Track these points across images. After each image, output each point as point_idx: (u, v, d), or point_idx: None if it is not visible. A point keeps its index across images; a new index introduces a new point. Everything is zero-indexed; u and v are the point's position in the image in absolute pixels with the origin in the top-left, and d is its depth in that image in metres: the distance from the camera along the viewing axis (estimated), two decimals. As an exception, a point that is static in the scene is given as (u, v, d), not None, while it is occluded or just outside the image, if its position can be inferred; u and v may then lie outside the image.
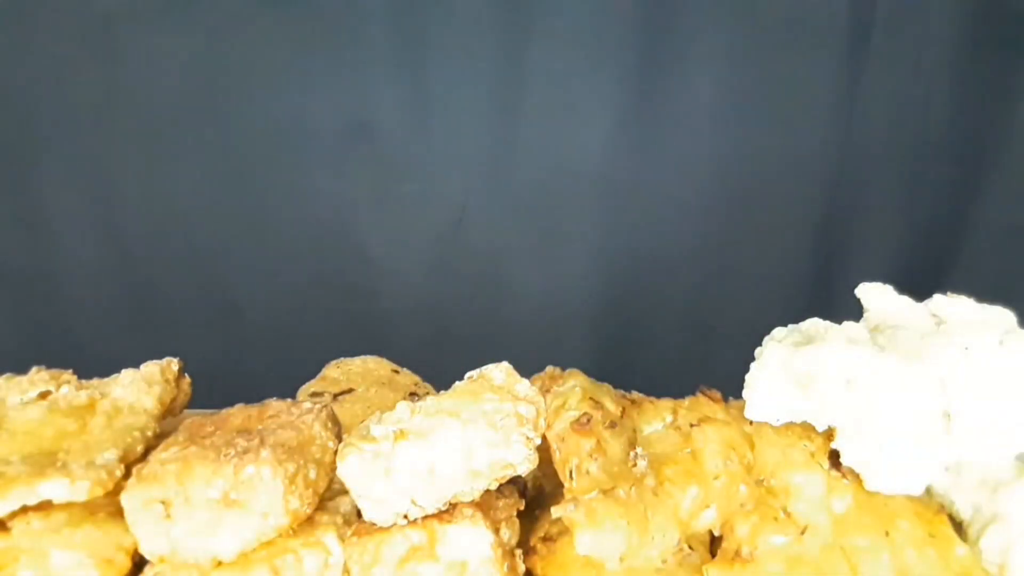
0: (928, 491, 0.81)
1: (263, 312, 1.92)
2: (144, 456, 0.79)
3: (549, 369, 0.93)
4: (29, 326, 1.87)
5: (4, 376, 0.89)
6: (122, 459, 0.79)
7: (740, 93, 1.79)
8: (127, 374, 0.90)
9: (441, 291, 1.93)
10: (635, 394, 0.88)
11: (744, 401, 0.84)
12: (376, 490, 0.73)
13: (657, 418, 0.83)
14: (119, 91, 1.72)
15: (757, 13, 1.73)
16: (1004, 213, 1.87)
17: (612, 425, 0.76)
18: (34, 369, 0.90)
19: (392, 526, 0.74)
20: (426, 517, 0.74)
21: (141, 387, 0.88)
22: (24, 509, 0.74)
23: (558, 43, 1.74)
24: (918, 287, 0.92)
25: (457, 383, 0.81)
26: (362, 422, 0.78)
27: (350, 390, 1.10)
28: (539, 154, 1.84)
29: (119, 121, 1.75)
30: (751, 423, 0.82)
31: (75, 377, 0.90)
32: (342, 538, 0.76)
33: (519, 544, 0.79)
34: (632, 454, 0.77)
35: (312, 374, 1.16)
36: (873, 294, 0.91)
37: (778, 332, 0.89)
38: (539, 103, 1.79)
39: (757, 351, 0.86)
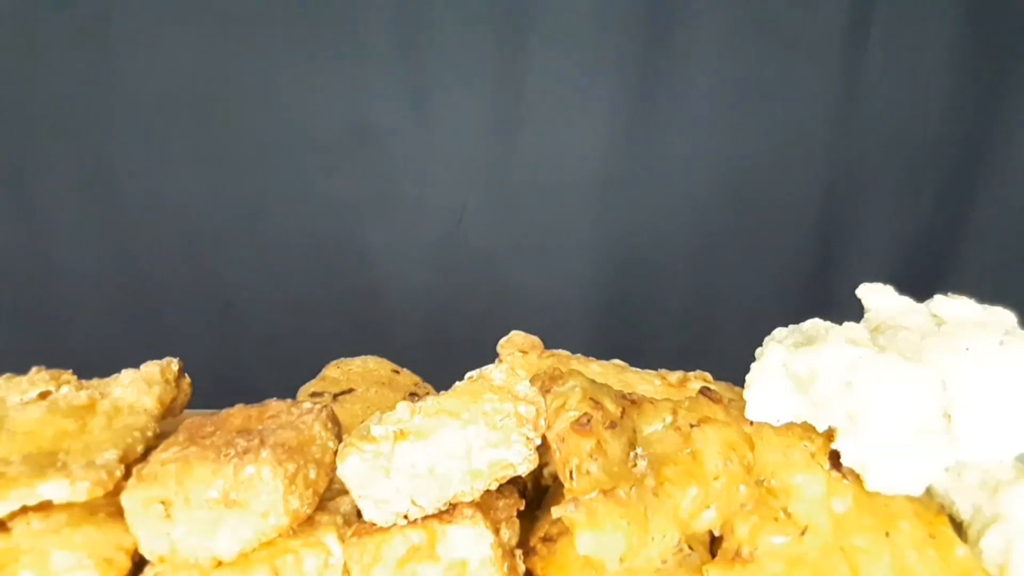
0: (928, 492, 0.81)
1: (263, 312, 1.92)
2: (144, 456, 0.79)
3: (548, 363, 0.93)
4: (29, 326, 1.87)
5: (4, 376, 0.89)
6: (122, 459, 0.79)
7: (739, 93, 1.79)
8: (127, 374, 0.90)
9: (441, 291, 1.93)
10: (635, 394, 0.88)
11: (744, 400, 0.84)
12: (376, 490, 0.73)
13: (657, 418, 0.82)
14: (119, 91, 1.72)
15: (756, 14, 1.73)
16: (1004, 213, 1.87)
17: (612, 425, 0.76)
18: (34, 369, 0.90)
19: (392, 526, 0.74)
20: (426, 517, 0.74)
21: (141, 387, 0.89)
22: (24, 509, 0.74)
23: (557, 44, 1.75)
24: (918, 287, 0.92)
25: (457, 383, 0.81)
26: (362, 422, 0.78)
27: (350, 390, 1.10)
28: (539, 155, 1.84)
29: (119, 122, 1.75)
30: (751, 423, 0.82)
31: (75, 377, 0.90)
32: (342, 538, 0.76)
33: (519, 544, 0.79)
34: (632, 454, 0.77)
35: (312, 374, 1.16)
36: (873, 294, 0.91)
37: (778, 332, 0.89)
38: (538, 104, 1.79)
39: (757, 351, 0.86)
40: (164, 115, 1.75)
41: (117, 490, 0.74)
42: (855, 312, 0.92)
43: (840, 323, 0.86)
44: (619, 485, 0.71)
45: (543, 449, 0.78)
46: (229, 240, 1.86)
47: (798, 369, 0.80)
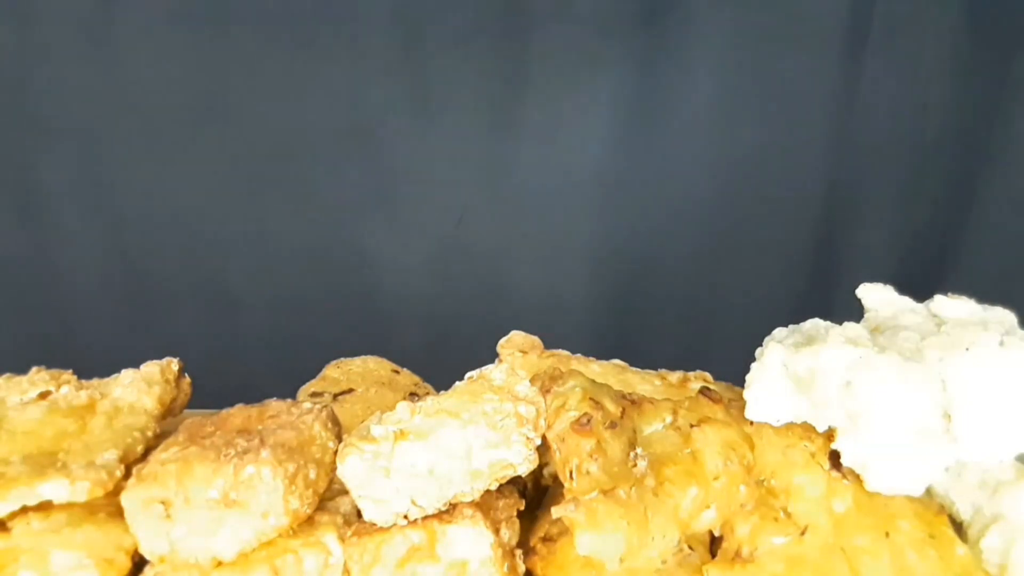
0: (928, 492, 0.81)
1: (263, 313, 1.92)
2: (144, 456, 0.79)
3: (548, 363, 0.93)
4: (29, 326, 1.87)
5: (4, 376, 0.89)
6: (122, 459, 0.79)
7: (739, 93, 1.79)
8: (127, 374, 0.90)
9: (441, 292, 1.93)
10: (635, 394, 0.88)
11: (744, 400, 0.84)
12: (376, 490, 0.73)
13: (657, 418, 0.82)
14: (120, 92, 1.72)
15: (756, 14, 1.73)
16: (1004, 213, 1.87)
17: (612, 425, 0.76)
18: (34, 369, 0.90)
19: (392, 526, 0.74)
20: (426, 517, 0.74)
21: (141, 387, 0.88)
22: (24, 509, 0.74)
23: (557, 46, 1.75)
24: (918, 287, 0.92)
25: (457, 383, 0.81)
26: (362, 422, 0.78)
27: (350, 390, 1.10)
28: (538, 156, 1.84)
29: (120, 122, 1.75)
30: (751, 423, 0.82)
31: (75, 377, 0.90)
32: (342, 538, 0.76)
33: (519, 544, 0.79)
34: (632, 454, 0.77)
35: (312, 374, 1.16)
36: (873, 294, 0.91)
37: (778, 332, 0.89)
38: (538, 106, 1.80)
39: (757, 351, 0.86)
40: (164, 115, 1.75)
41: (117, 490, 0.74)
42: (855, 312, 0.92)
43: (840, 323, 0.86)
44: (619, 485, 0.71)
45: (543, 449, 0.78)
46: (229, 240, 1.86)
47: (798, 369, 0.80)
